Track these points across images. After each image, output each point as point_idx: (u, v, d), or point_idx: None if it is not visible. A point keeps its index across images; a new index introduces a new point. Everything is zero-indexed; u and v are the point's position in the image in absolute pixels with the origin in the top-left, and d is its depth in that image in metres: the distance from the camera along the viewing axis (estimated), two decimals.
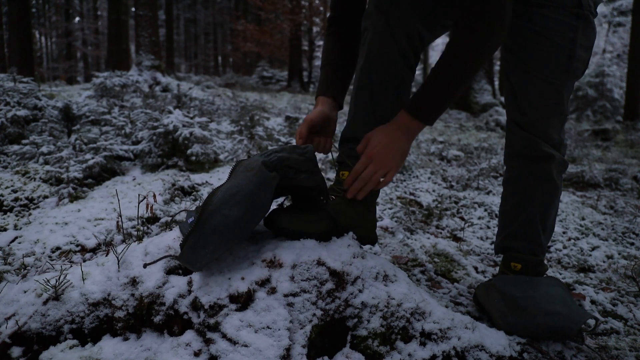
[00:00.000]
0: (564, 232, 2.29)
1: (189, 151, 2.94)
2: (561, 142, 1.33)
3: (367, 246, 1.89)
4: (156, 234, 1.72)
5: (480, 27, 1.03)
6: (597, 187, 3.48)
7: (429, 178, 3.40)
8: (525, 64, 1.26)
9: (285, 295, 1.00)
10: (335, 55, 1.36)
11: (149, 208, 1.92)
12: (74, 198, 2.32)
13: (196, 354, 0.91)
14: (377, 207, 2.36)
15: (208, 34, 32.98)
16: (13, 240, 1.77)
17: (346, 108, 1.77)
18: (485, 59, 1.07)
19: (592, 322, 1.33)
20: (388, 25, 1.16)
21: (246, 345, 0.90)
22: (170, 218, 1.81)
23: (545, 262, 1.77)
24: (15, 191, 2.24)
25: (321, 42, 23.78)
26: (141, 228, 1.80)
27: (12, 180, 2.31)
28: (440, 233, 2.23)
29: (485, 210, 2.61)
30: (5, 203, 2.15)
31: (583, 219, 2.51)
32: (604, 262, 1.94)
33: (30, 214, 2.09)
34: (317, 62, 25.32)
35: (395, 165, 1.13)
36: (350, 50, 1.36)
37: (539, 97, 1.27)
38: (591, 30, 1.23)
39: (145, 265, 1.01)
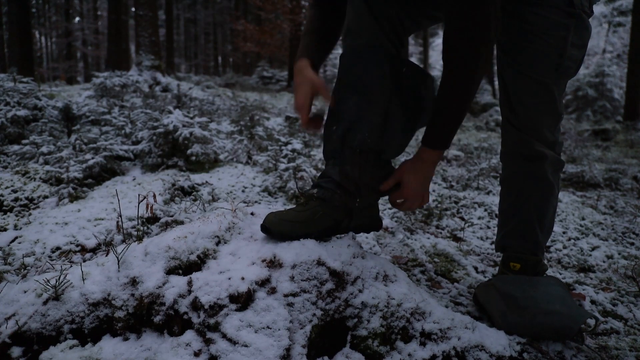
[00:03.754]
0: (564, 232, 2.29)
1: (189, 151, 2.95)
2: (555, 141, 1.33)
3: (368, 246, 1.90)
4: (156, 234, 1.72)
5: (470, 56, 1.06)
6: (597, 187, 3.48)
7: None
8: (516, 63, 1.26)
9: (285, 295, 1.00)
10: (321, 24, 1.33)
11: (149, 208, 1.92)
12: (74, 198, 2.32)
13: (196, 354, 0.91)
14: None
15: (208, 34, 32.99)
16: (13, 240, 1.77)
17: None
18: (481, 77, 1.10)
19: (592, 321, 1.33)
20: (370, 10, 1.18)
21: (246, 345, 0.90)
22: (170, 218, 1.81)
23: (545, 261, 1.77)
24: (15, 191, 2.24)
25: None
26: (141, 228, 1.80)
27: (12, 180, 2.31)
28: (440, 233, 2.23)
29: (485, 210, 2.60)
30: (5, 203, 2.15)
31: (583, 219, 2.51)
32: (604, 262, 1.94)
33: (30, 214, 2.09)
34: None
35: (428, 192, 1.27)
36: (336, 22, 1.35)
37: (530, 96, 1.27)
38: (584, 29, 1.22)
39: None
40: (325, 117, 1.27)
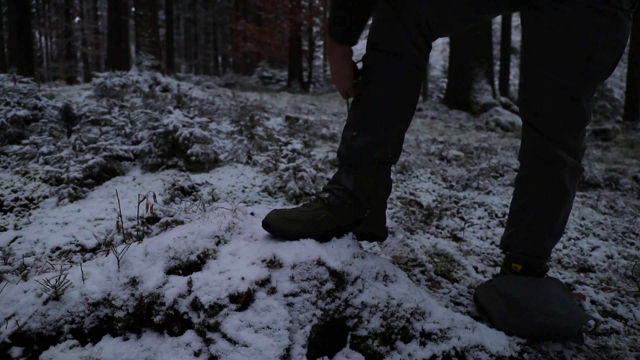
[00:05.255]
0: (564, 232, 2.29)
1: (189, 151, 2.95)
2: (577, 146, 1.26)
3: (368, 246, 1.90)
4: (156, 234, 1.72)
5: None
6: (597, 187, 3.48)
7: (429, 178, 3.40)
8: (538, 64, 1.17)
9: (285, 295, 1.00)
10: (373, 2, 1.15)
11: (149, 208, 1.92)
12: (74, 198, 2.32)
13: (196, 354, 0.91)
14: None
15: (208, 34, 32.99)
16: (13, 240, 1.77)
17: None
18: None
19: (592, 322, 1.33)
20: (396, 12, 1.13)
21: (246, 345, 0.90)
22: (170, 218, 1.81)
23: (547, 264, 1.77)
24: (15, 191, 2.24)
25: (321, 42, 23.80)
26: (141, 228, 1.80)
27: (12, 180, 2.31)
28: (440, 233, 2.23)
29: (485, 210, 2.60)
30: (5, 203, 2.15)
31: (583, 219, 2.51)
32: (604, 262, 1.94)
33: (30, 214, 2.09)
34: (317, 62, 25.29)
35: (335, 82, 1.25)
36: None
37: (551, 99, 1.19)
38: (620, 29, 1.08)
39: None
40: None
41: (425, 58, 1.22)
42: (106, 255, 1.23)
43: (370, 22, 1.22)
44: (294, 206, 1.72)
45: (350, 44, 1.16)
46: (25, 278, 1.28)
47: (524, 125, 1.31)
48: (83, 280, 1.06)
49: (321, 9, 18.73)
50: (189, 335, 0.95)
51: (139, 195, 1.75)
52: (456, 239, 2.16)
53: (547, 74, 1.17)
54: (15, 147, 2.83)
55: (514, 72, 22.51)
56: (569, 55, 1.12)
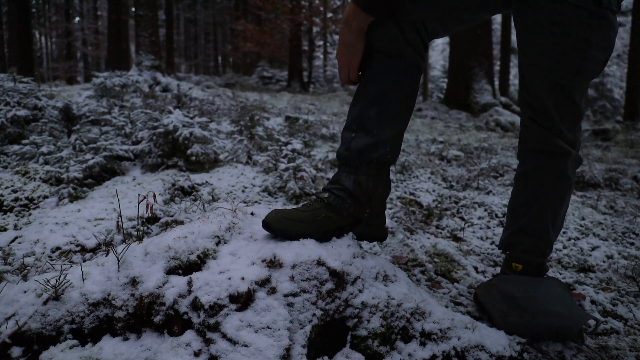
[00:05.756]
0: (564, 232, 2.29)
1: (189, 151, 2.94)
2: (575, 140, 1.30)
3: (368, 246, 1.90)
4: (156, 234, 1.72)
5: None
6: (597, 187, 3.48)
7: (429, 178, 3.40)
8: (534, 63, 1.20)
9: (285, 295, 1.00)
10: None
11: (149, 208, 1.92)
12: (74, 198, 2.32)
13: (196, 354, 0.91)
14: None
15: (208, 34, 33.00)
16: (13, 240, 1.77)
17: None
18: None
19: (592, 322, 1.33)
20: (392, 13, 1.15)
21: (246, 345, 0.90)
22: (170, 218, 1.80)
23: (547, 263, 1.77)
24: (15, 191, 2.24)
25: (321, 42, 23.80)
26: (141, 228, 1.80)
27: (12, 180, 2.31)
28: (440, 233, 2.23)
29: (485, 210, 2.60)
30: (5, 203, 2.15)
31: (583, 219, 2.51)
32: (604, 262, 1.94)
33: (30, 214, 2.09)
34: (317, 62, 25.29)
35: (342, 59, 1.21)
36: None
37: (550, 97, 1.22)
38: (610, 30, 1.13)
39: None
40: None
41: (422, 58, 1.23)
42: (106, 255, 1.23)
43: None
44: (294, 206, 1.72)
45: (376, 15, 1.14)
46: (25, 278, 1.28)
47: (524, 123, 1.32)
48: (83, 280, 1.06)
49: (321, 9, 18.73)
50: (189, 335, 0.95)
51: (139, 195, 1.75)
52: (456, 239, 2.16)
53: (544, 73, 1.20)
54: (15, 147, 2.83)
55: (514, 72, 22.52)
56: (564, 54, 1.15)
